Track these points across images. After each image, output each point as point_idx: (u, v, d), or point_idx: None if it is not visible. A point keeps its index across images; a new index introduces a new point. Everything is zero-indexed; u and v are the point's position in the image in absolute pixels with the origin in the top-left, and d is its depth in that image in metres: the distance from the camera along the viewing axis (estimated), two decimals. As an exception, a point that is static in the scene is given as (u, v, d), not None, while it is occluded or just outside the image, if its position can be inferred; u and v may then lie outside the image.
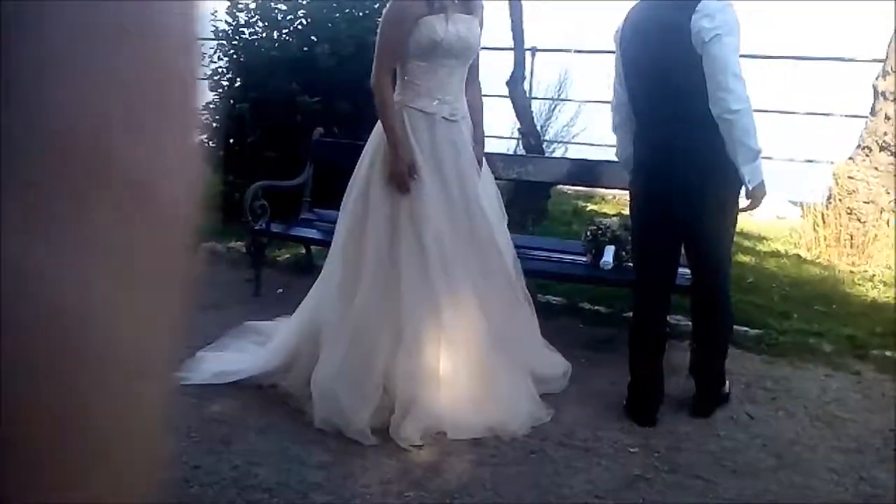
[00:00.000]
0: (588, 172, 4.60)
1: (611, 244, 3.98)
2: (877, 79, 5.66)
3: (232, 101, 5.77)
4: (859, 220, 5.50)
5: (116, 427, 0.28)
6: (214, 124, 5.96)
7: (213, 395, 3.27)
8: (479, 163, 3.36)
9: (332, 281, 3.27)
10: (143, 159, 0.29)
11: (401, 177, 3.09)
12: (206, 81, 5.93)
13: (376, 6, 5.86)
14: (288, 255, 5.15)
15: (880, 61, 5.75)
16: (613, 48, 3.19)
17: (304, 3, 5.92)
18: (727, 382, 3.37)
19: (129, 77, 0.29)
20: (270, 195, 4.62)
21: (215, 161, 5.94)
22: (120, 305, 0.28)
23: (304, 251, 5.02)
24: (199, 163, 0.35)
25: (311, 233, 4.58)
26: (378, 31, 3.17)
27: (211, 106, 5.97)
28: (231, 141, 5.86)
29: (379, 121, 3.20)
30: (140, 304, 0.29)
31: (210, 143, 6.02)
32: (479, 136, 3.39)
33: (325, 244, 3.74)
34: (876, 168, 5.53)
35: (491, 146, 3.67)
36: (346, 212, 3.31)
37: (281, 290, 4.58)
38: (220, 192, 5.84)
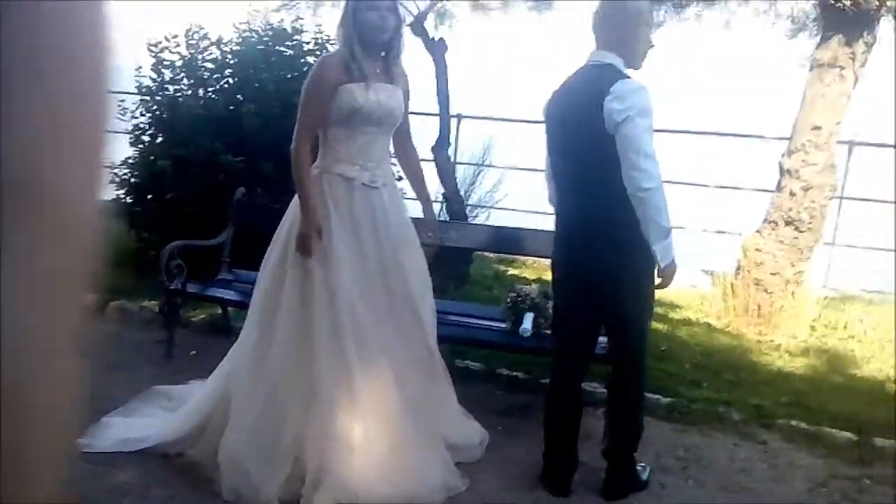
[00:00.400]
0: (509, 239, 4.69)
1: (530, 311, 4.03)
2: (783, 156, 5.96)
3: (153, 158, 5.68)
4: (766, 291, 5.73)
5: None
6: (133, 179, 5.86)
7: (117, 464, 3.14)
8: (433, 224, 3.44)
9: (247, 344, 3.21)
10: (52, 171, 0.34)
11: (306, 240, 3.09)
12: (127, 136, 5.85)
13: (304, 69, 5.92)
14: (204, 316, 5.04)
15: (786, 139, 6.06)
16: (540, 119, 3.28)
17: (232, 62, 5.92)
18: (647, 469, 3.40)
19: (44, 101, 0.34)
20: (188, 254, 4.53)
21: (131, 216, 5.83)
22: (21, 303, 0.31)
23: (220, 312, 4.92)
24: (101, 176, 0.41)
25: (229, 293, 4.50)
26: (301, 95, 3.19)
27: (130, 161, 5.87)
28: (149, 197, 5.76)
29: None
30: (41, 300, 0.32)
31: (127, 198, 5.91)
32: (425, 195, 3.52)
33: (243, 306, 3.69)
34: (781, 241, 5.78)
35: (415, 211, 3.72)
36: (264, 274, 3.28)
37: (195, 353, 4.47)
38: (135, 249, 5.71)
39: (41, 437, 0.33)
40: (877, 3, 5.44)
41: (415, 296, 3.26)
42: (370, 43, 3.14)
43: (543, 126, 3.24)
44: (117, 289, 5.25)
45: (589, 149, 2.99)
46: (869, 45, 5.77)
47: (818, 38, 6.05)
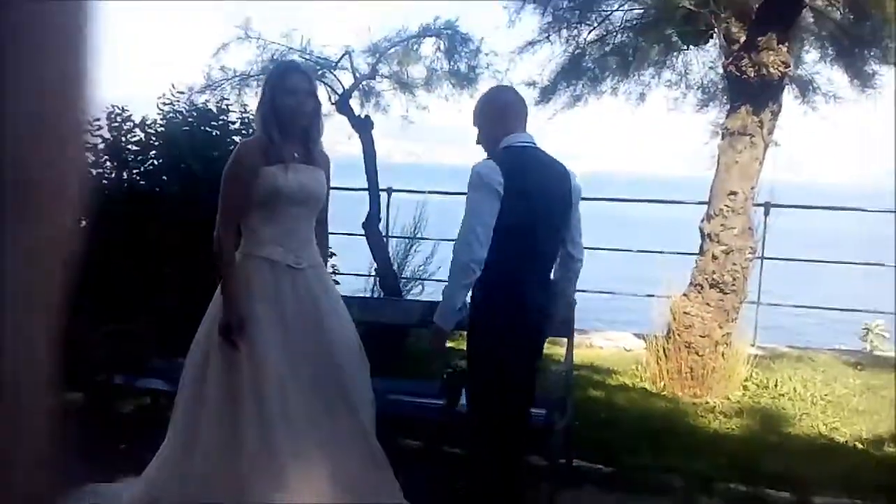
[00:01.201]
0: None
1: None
2: (702, 221, 6.16)
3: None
4: (697, 353, 5.83)
5: None
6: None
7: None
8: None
9: (173, 447, 3.09)
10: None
11: (228, 329, 3.02)
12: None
13: (230, 149, 5.86)
14: (133, 407, 4.83)
15: (705, 204, 6.28)
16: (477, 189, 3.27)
17: (156, 143, 5.84)
18: None
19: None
20: (115, 342, 4.37)
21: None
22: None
23: (150, 402, 4.73)
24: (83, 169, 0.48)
25: (159, 384, 4.33)
26: (222, 182, 3.16)
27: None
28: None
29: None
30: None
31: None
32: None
33: (173, 394, 3.54)
34: (708, 304, 5.93)
35: (349, 286, 3.68)
36: (190, 361, 3.18)
37: (124, 446, 4.26)
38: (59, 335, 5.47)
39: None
40: (779, 73, 5.75)
41: (347, 378, 3.19)
42: (289, 127, 3.15)
43: (496, 193, 3.10)
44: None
45: (560, 219, 3.21)
46: (775, 114, 6.08)
47: (728, 107, 6.35)
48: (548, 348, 6.81)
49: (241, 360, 3.01)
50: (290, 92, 3.12)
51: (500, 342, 3.14)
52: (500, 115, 3.23)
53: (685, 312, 5.96)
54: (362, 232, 6.53)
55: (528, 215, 3.13)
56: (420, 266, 7.58)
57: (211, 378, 3.04)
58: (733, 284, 5.93)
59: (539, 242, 3.19)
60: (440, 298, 3.22)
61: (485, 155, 3.22)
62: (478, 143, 3.29)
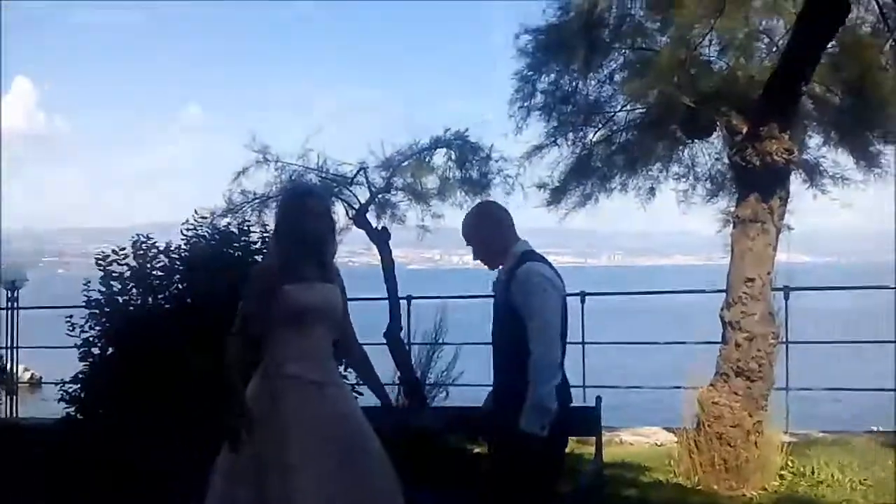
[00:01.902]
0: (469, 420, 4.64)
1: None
2: (722, 309, 6.17)
3: (103, 370, 5.62)
4: (729, 444, 5.72)
5: None
6: (83, 394, 5.74)
7: None
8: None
9: None
10: None
11: (235, 433, 3.07)
12: (77, 351, 5.79)
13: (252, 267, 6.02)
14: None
15: (723, 291, 6.29)
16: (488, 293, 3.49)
17: (180, 267, 6.01)
18: None
19: None
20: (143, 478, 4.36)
21: (81, 433, 5.65)
22: None
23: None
24: None
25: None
26: (241, 295, 3.28)
27: (80, 376, 5.78)
28: (101, 411, 5.63)
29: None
30: None
31: (77, 414, 5.76)
32: (383, 396, 3.58)
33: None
34: (736, 393, 5.86)
35: (373, 398, 3.71)
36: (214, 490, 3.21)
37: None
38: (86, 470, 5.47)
39: None
40: (783, 160, 5.87)
41: (378, 491, 3.19)
42: (309, 249, 3.27)
43: (560, 292, 3.29)
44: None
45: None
46: (783, 199, 6.17)
47: (736, 196, 6.44)
48: (577, 447, 6.77)
49: (272, 481, 3.03)
50: (308, 214, 3.27)
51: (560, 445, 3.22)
52: (499, 226, 3.42)
53: (713, 403, 5.88)
54: (384, 341, 6.59)
55: (565, 315, 3.27)
56: (443, 371, 7.58)
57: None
58: (759, 371, 5.88)
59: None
60: (463, 403, 3.25)
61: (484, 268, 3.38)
62: (476, 258, 3.43)
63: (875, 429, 7.60)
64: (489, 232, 3.41)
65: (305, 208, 3.29)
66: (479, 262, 3.44)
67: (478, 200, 7.37)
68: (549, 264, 3.34)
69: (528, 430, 3.01)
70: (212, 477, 3.22)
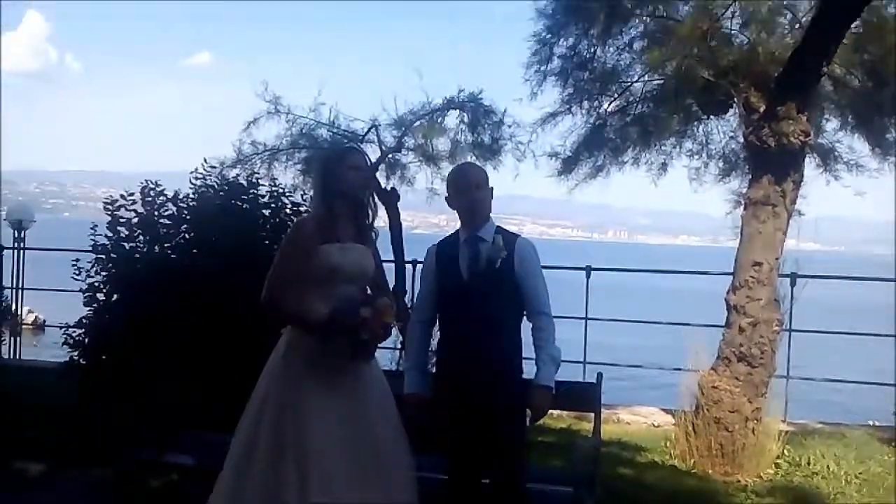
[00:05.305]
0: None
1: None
2: (728, 293, 6.12)
3: (108, 316, 5.61)
4: (727, 429, 5.71)
5: None
6: (86, 340, 5.75)
7: None
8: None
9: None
10: None
11: (362, 345, 3.09)
12: (82, 296, 5.78)
13: (260, 221, 6.00)
14: (157, 484, 4.80)
15: (729, 274, 6.24)
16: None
17: (188, 217, 5.97)
18: None
19: None
20: (145, 417, 4.38)
21: (84, 378, 5.67)
22: None
23: (175, 477, 4.70)
24: None
25: (186, 459, 4.30)
26: (277, 254, 3.28)
27: (84, 321, 5.77)
28: (104, 357, 5.63)
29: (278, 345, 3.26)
30: None
31: (80, 359, 5.77)
32: None
33: (205, 471, 3.52)
34: (737, 378, 5.83)
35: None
36: (236, 441, 3.22)
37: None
38: (87, 413, 5.50)
39: None
40: (800, 142, 5.78)
41: (383, 450, 3.19)
42: (349, 204, 3.27)
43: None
44: (67, 455, 5.04)
45: None
46: (797, 183, 6.09)
47: (749, 176, 6.35)
48: (575, 423, 6.79)
49: (288, 433, 3.06)
50: (352, 168, 3.27)
51: None
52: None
53: (713, 387, 5.86)
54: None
55: None
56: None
57: (261, 446, 3.10)
58: (761, 358, 5.85)
59: None
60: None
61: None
62: (469, 209, 3.38)
63: (873, 423, 7.59)
64: (490, 192, 3.41)
65: (353, 162, 3.30)
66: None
67: (488, 165, 7.32)
68: None
69: (551, 383, 3.25)
70: (231, 440, 3.24)
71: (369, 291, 3.38)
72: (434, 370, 3.49)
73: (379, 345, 3.24)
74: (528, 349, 3.36)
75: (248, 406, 3.24)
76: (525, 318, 3.38)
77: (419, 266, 8.31)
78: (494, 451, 3.29)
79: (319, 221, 3.24)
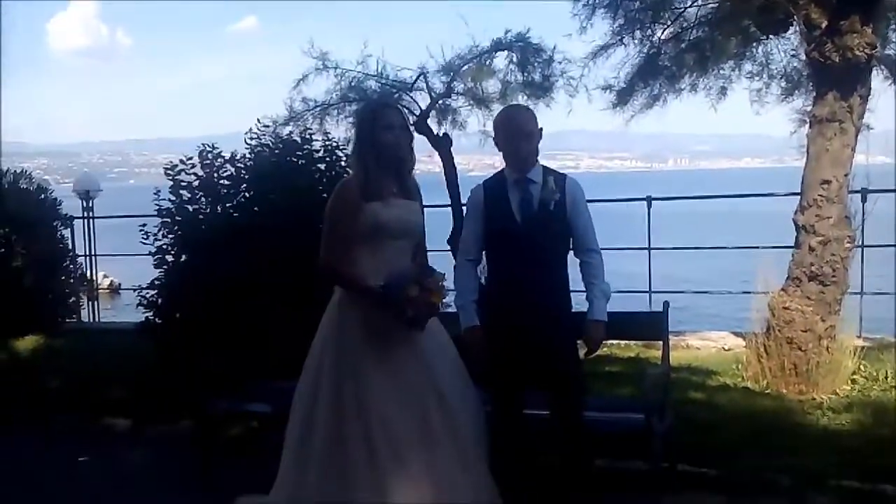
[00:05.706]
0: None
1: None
2: (796, 213, 5.97)
3: (178, 276, 5.81)
4: (800, 348, 5.64)
5: None
6: (160, 300, 5.97)
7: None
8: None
9: (285, 481, 3.25)
10: None
11: (413, 322, 3.11)
12: (152, 259, 5.98)
13: (316, 176, 6.07)
14: (236, 432, 5.00)
15: (797, 195, 6.08)
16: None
17: (246, 176, 6.08)
18: None
19: None
20: (218, 369, 4.55)
21: (159, 337, 5.91)
22: None
23: (255, 425, 4.89)
24: None
25: (264, 407, 4.47)
26: (325, 218, 3.29)
27: (156, 283, 5.98)
28: (178, 315, 5.84)
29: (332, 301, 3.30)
30: None
31: (155, 319, 6.01)
32: None
33: (283, 417, 3.65)
34: (808, 297, 5.73)
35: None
36: (298, 399, 3.30)
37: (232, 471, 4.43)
38: (164, 370, 5.73)
39: None
40: (865, 55, 5.54)
41: (447, 402, 3.23)
42: (386, 162, 3.25)
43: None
44: (150, 410, 5.28)
45: None
46: (864, 97, 5.85)
47: (814, 94, 6.14)
48: (643, 351, 6.79)
49: (348, 391, 3.12)
50: (386, 127, 3.24)
51: None
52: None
53: (784, 308, 5.77)
54: (447, 248, 6.62)
55: None
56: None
57: (321, 402, 3.17)
58: (833, 276, 5.72)
59: None
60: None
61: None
62: (522, 154, 3.36)
63: (952, 333, 7.37)
64: (539, 135, 3.42)
65: (386, 121, 3.27)
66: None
67: (540, 104, 7.23)
68: None
69: (604, 317, 3.37)
70: (295, 395, 3.33)
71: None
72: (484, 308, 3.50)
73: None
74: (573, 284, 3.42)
75: (307, 360, 3.30)
76: (573, 254, 3.43)
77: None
78: (552, 384, 3.35)
79: (360, 181, 3.23)
